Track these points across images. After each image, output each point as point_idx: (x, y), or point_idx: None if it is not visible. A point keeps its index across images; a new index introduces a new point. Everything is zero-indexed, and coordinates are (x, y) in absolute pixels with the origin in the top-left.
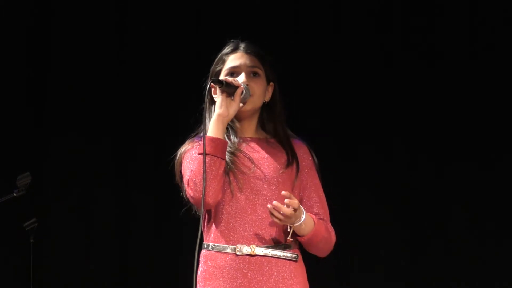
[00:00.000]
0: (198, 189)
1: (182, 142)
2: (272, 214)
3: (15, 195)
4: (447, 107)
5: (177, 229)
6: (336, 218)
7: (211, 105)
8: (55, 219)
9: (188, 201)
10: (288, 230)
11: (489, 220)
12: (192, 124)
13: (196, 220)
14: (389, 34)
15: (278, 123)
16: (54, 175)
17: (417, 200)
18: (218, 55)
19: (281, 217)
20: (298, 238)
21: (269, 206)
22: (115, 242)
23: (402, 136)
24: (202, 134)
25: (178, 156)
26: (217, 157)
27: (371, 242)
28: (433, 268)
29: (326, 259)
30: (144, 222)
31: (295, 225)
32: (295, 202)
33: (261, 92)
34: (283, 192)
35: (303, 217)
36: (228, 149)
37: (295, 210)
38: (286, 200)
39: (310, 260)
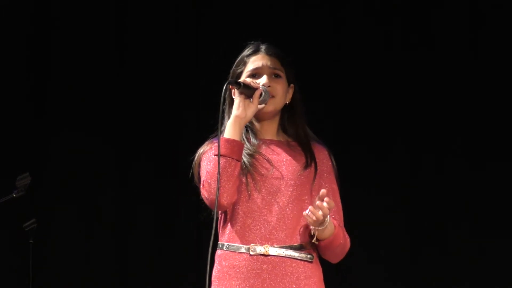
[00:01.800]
0: (213, 191)
1: (182, 142)
2: (309, 215)
3: (14, 195)
4: (447, 106)
5: (177, 229)
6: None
7: (230, 106)
8: (55, 220)
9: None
10: (312, 233)
11: (489, 220)
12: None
13: (196, 221)
14: (389, 34)
15: (300, 126)
16: (54, 176)
17: (417, 200)
18: (239, 57)
19: (320, 217)
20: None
21: (310, 208)
22: (115, 242)
23: (402, 135)
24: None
25: (196, 157)
26: (233, 158)
27: (371, 242)
28: (433, 268)
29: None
30: (144, 222)
31: (320, 228)
32: (332, 202)
33: (283, 94)
34: (322, 190)
35: (328, 219)
36: (248, 151)
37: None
38: (326, 199)
39: None
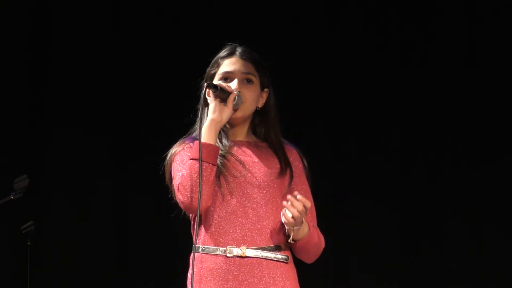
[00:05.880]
0: (188, 195)
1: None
2: (286, 210)
3: (12, 197)
4: (445, 108)
5: (177, 229)
6: (334, 220)
7: (205, 107)
8: (53, 222)
9: (177, 203)
10: (287, 233)
11: (487, 222)
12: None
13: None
14: (387, 33)
15: (271, 129)
16: (52, 178)
17: (415, 202)
18: (214, 57)
19: (296, 213)
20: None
21: (288, 198)
22: (114, 245)
23: (402, 136)
24: (194, 135)
25: (168, 157)
26: (209, 163)
27: (369, 244)
28: (431, 270)
29: (324, 261)
30: (143, 223)
31: (295, 228)
32: (308, 201)
33: (253, 100)
34: (295, 192)
35: (303, 220)
36: (219, 152)
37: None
38: (299, 197)
39: None
